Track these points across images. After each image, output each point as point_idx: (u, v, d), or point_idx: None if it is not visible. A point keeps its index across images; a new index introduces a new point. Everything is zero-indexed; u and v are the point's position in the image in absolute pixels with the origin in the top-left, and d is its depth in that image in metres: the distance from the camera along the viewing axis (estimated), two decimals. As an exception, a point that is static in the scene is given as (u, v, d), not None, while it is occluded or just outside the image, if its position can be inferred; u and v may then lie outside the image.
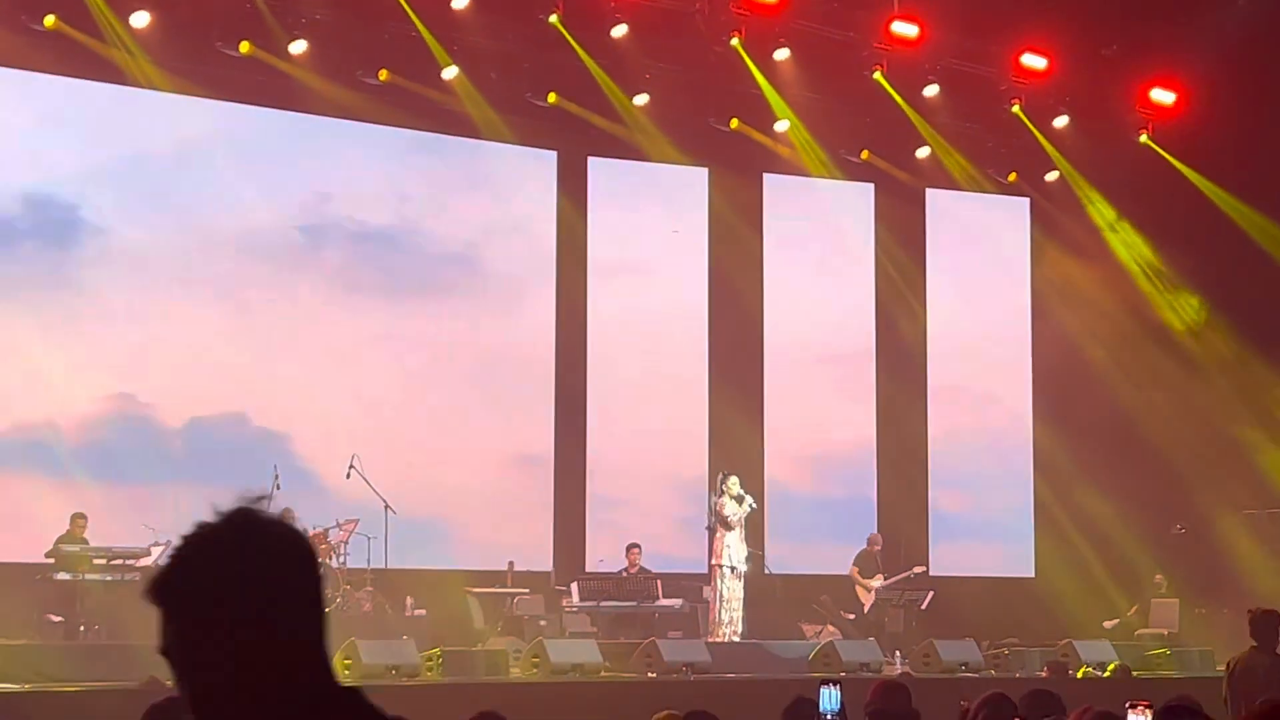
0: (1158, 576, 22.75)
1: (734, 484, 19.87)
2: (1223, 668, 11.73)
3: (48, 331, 19.28)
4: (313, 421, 20.76)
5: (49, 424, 19.24)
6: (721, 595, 19.48)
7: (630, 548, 20.42)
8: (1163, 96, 23.21)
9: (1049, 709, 7.64)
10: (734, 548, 19.60)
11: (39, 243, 19.57)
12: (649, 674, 16.34)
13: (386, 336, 21.49)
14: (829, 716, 7.80)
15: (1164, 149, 23.53)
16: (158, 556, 17.79)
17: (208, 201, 20.36)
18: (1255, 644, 10.79)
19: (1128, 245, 24.61)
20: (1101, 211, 24.61)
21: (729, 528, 19.60)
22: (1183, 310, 24.31)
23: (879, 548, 22.21)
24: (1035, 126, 23.43)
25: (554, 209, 22.82)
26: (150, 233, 20.09)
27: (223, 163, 20.38)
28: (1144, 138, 23.60)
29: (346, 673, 14.99)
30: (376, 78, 20.58)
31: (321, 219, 21.31)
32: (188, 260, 20.26)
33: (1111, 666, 18.23)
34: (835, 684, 8.14)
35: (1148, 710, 6.07)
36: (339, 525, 19.06)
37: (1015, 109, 23.14)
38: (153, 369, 19.97)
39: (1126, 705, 6.50)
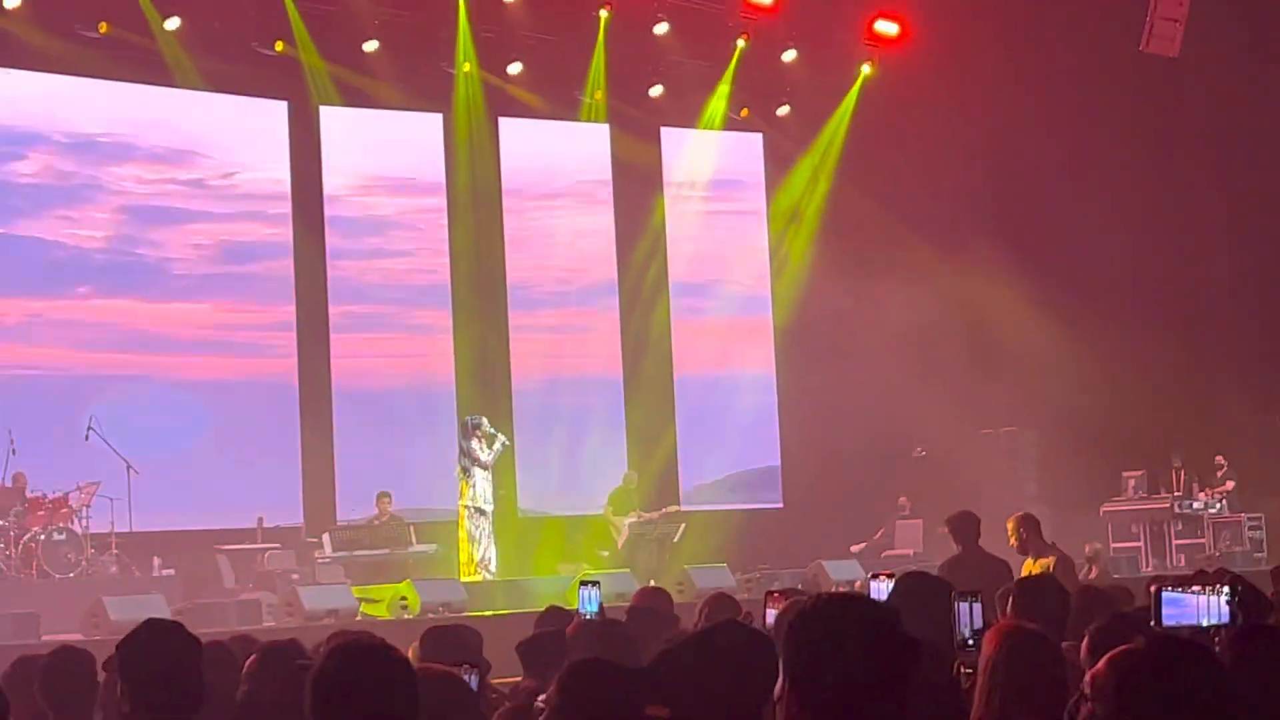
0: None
1: (486, 425, 19.92)
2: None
3: None
4: (50, 382, 20.26)
5: None
6: (472, 536, 19.40)
7: (380, 496, 20.28)
8: (887, 28, 23.65)
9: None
10: (480, 488, 19.64)
11: None
12: (404, 615, 16.27)
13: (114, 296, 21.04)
14: (588, 616, 7.88)
15: (888, 80, 23.98)
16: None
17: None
18: (960, 548, 11.07)
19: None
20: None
21: (484, 468, 19.65)
22: None
23: (634, 485, 22.37)
24: (764, 61, 23.74)
25: (287, 160, 22.49)
26: None
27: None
28: (867, 69, 24.06)
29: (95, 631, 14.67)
30: (96, 30, 20.05)
31: (49, 176, 20.75)
32: None
33: (859, 585, 18.65)
34: (594, 585, 8.23)
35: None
36: (79, 489, 18.59)
37: (740, 43, 23.44)
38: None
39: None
